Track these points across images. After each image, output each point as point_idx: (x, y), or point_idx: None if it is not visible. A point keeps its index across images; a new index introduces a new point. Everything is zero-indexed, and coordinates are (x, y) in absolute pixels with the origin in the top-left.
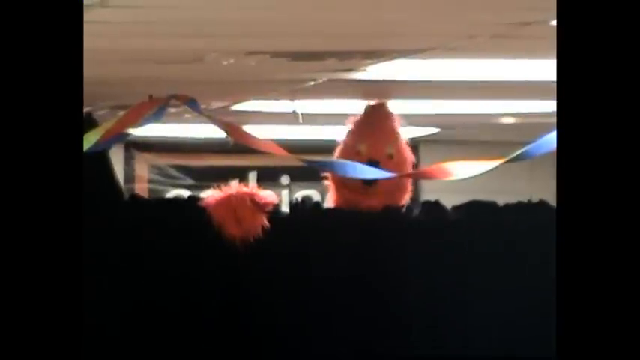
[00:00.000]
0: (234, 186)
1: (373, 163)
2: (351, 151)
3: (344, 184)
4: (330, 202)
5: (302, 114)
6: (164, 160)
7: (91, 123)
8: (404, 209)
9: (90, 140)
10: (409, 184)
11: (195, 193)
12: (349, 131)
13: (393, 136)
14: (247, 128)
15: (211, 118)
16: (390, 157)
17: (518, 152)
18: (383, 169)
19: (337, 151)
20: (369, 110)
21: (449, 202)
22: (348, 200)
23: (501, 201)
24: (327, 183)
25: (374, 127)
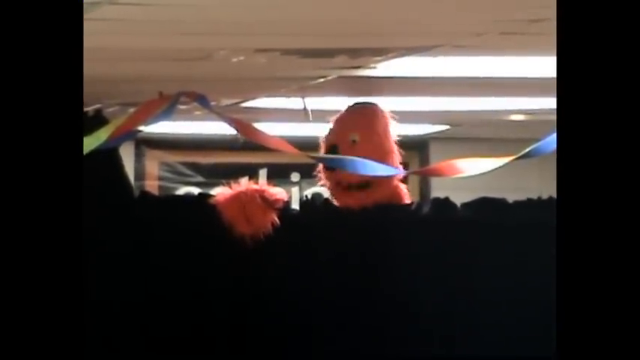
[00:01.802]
0: (244, 183)
1: (333, 147)
2: (323, 144)
3: (337, 184)
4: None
5: (312, 111)
6: (174, 157)
7: (101, 120)
8: (413, 206)
9: (100, 138)
10: (395, 182)
11: (206, 191)
12: None
13: (361, 125)
14: (257, 125)
15: (221, 115)
16: (353, 142)
17: (528, 149)
18: (343, 154)
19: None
20: (348, 108)
21: (458, 199)
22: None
23: (511, 198)
24: (324, 184)
25: (341, 118)
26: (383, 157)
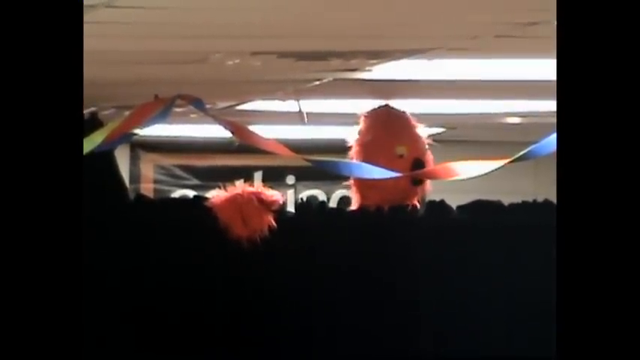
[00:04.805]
0: (239, 185)
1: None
2: (389, 153)
3: (372, 185)
4: (354, 204)
5: (307, 114)
6: (170, 160)
7: (96, 123)
8: (409, 208)
9: (95, 140)
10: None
11: (201, 193)
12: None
13: (405, 137)
14: (253, 128)
15: (217, 118)
16: (400, 157)
17: (523, 152)
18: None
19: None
20: (379, 112)
21: (454, 201)
22: (385, 200)
23: (506, 201)
24: (350, 183)
25: (377, 126)
26: (425, 164)
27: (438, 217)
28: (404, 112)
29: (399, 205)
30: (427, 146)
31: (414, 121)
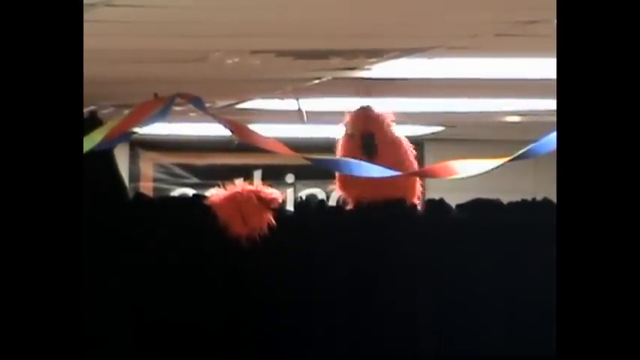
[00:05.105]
0: (239, 184)
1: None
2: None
3: (354, 181)
4: (350, 203)
5: (306, 112)
6: (169, 159)
7: (95, 122)
8: (408, 207)
9: (95, 139)
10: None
11: (201, 192)
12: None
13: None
14: (252, 127)
15: (216, 116)
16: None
17: (523, 150)
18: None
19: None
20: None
21: (453, 200)
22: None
23: (505, 199)
24: (334, 185)
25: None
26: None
27: (437, 216)
28: (380, 111)
29: (398, 203)
30: (393, 129)
31: (389, 119)
